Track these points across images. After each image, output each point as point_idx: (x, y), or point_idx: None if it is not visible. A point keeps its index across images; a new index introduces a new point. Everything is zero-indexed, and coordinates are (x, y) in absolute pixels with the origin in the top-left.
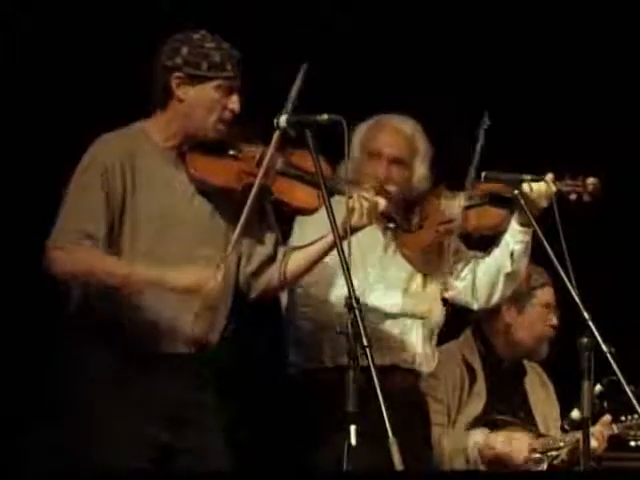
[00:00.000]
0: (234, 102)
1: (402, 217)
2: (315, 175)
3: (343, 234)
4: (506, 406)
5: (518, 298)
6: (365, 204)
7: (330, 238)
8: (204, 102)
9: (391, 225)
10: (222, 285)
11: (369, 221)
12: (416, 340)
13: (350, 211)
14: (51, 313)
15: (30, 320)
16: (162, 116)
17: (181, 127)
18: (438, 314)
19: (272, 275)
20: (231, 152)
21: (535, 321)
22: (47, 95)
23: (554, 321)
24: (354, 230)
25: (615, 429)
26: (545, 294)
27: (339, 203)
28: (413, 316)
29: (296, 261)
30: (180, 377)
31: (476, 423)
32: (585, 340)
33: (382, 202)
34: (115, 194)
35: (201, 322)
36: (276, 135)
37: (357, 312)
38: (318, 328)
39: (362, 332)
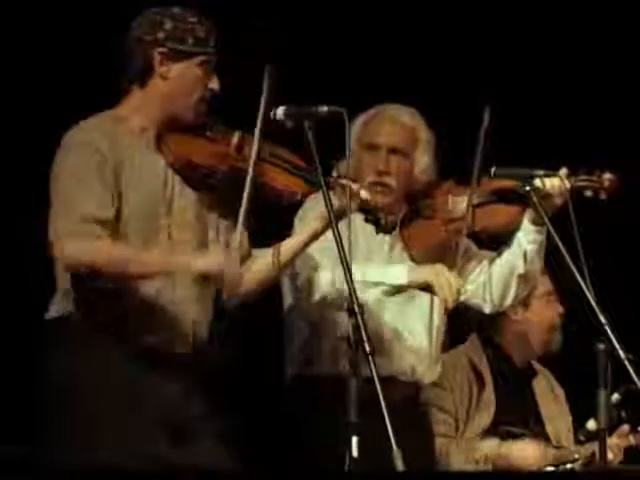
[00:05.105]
0: (215, 82)
1: (383, 216)
2: (298, 165)
3: (327, 223)
4: (516, 416)
5: None
6: (346, 192)
7: (314, 227)
8: (187, 80)
9: (369, 218)
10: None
11: (346, 209)
12: (419, 345)
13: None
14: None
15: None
16: (140, 96)
17: (162, 107)
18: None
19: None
20: (208, 134)
21: (543, 311)
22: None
23: (560, 309)
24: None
25: (632, 440)
26: (543, 283)
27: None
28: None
29: (286, 252)
30: (180, 385)
31: (486, 434)
32: (601, 346)
33: (364, 193)
34: (108, 177)
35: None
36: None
37: (359, 317)
38: (318, 333)
39: (364, 338)
